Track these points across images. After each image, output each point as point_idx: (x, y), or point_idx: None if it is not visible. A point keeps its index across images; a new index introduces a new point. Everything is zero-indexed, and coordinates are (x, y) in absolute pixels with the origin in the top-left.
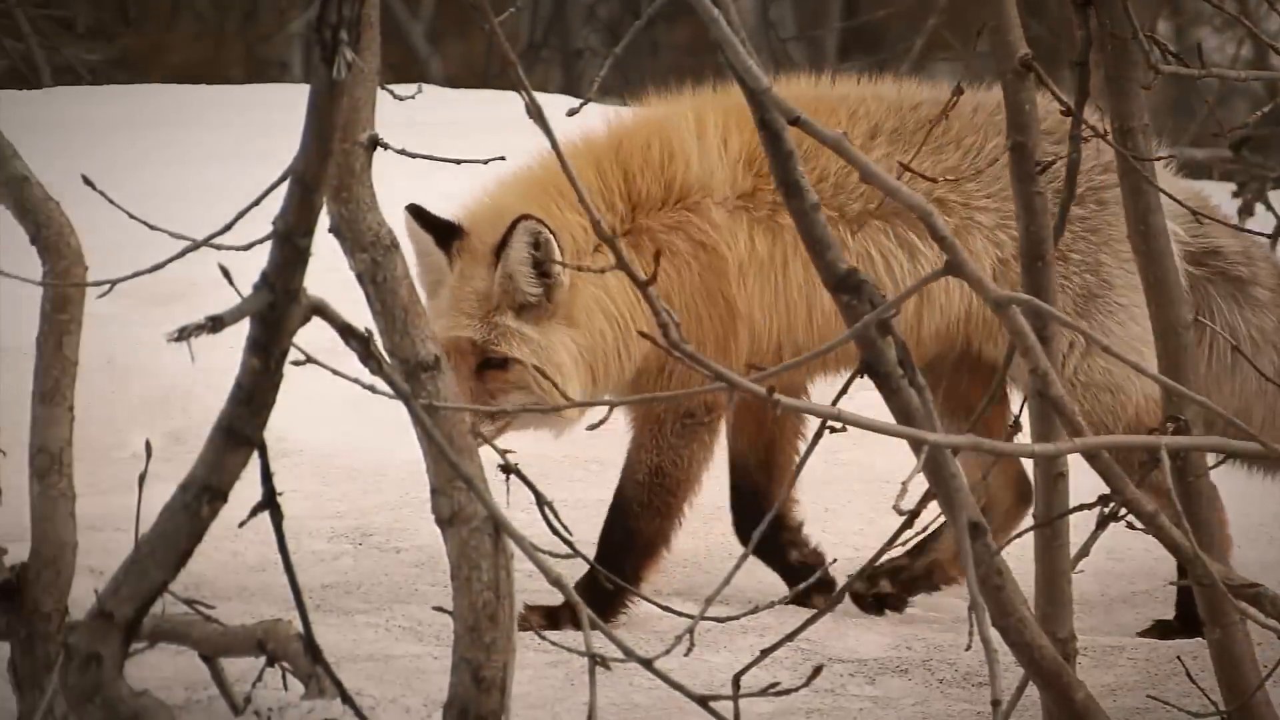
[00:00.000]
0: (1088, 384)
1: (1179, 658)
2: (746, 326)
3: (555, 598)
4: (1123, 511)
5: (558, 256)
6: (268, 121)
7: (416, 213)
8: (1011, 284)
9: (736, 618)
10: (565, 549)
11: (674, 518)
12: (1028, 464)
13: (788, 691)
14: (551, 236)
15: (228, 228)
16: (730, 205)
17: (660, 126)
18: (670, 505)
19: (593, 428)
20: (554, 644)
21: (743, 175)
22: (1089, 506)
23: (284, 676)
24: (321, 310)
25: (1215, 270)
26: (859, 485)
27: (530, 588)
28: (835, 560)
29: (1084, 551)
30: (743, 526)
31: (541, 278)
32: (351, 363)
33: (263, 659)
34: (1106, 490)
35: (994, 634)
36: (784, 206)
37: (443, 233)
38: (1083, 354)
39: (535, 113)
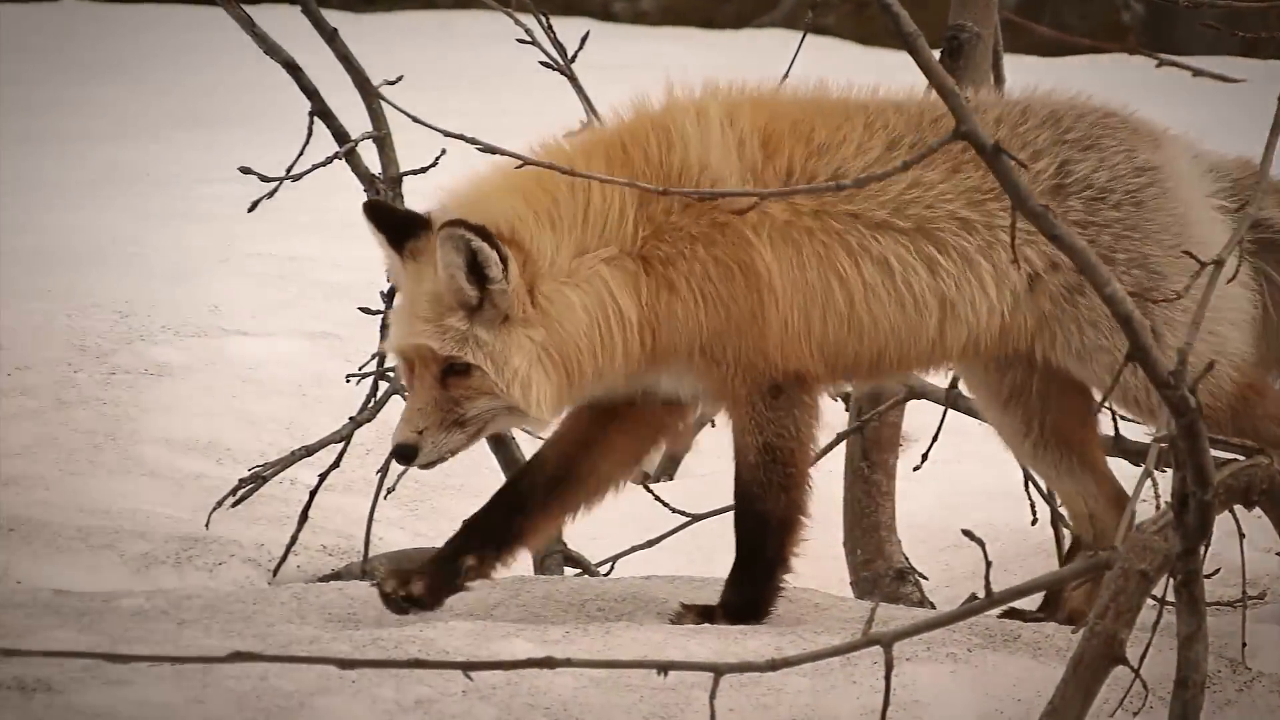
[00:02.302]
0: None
1: None
2: (773, 302)
3: None
4: None
5: (493, 264)
6: None
7: (372, 210)
8: (1047, 297)
9: None
10: None
11: (799, 489)
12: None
13: None
14: (484, 245)
15: None
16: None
17: (659, 120)
18: (791, 476)
19: None
20: None
21: (751, 153)
22: None
23: None
24: None
25: (1264, 240)
26: None
27: None
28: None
29: None
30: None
31: (480, 280)
32: None
33: None
34: None
35: None
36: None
37: (401, 230)
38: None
39: None
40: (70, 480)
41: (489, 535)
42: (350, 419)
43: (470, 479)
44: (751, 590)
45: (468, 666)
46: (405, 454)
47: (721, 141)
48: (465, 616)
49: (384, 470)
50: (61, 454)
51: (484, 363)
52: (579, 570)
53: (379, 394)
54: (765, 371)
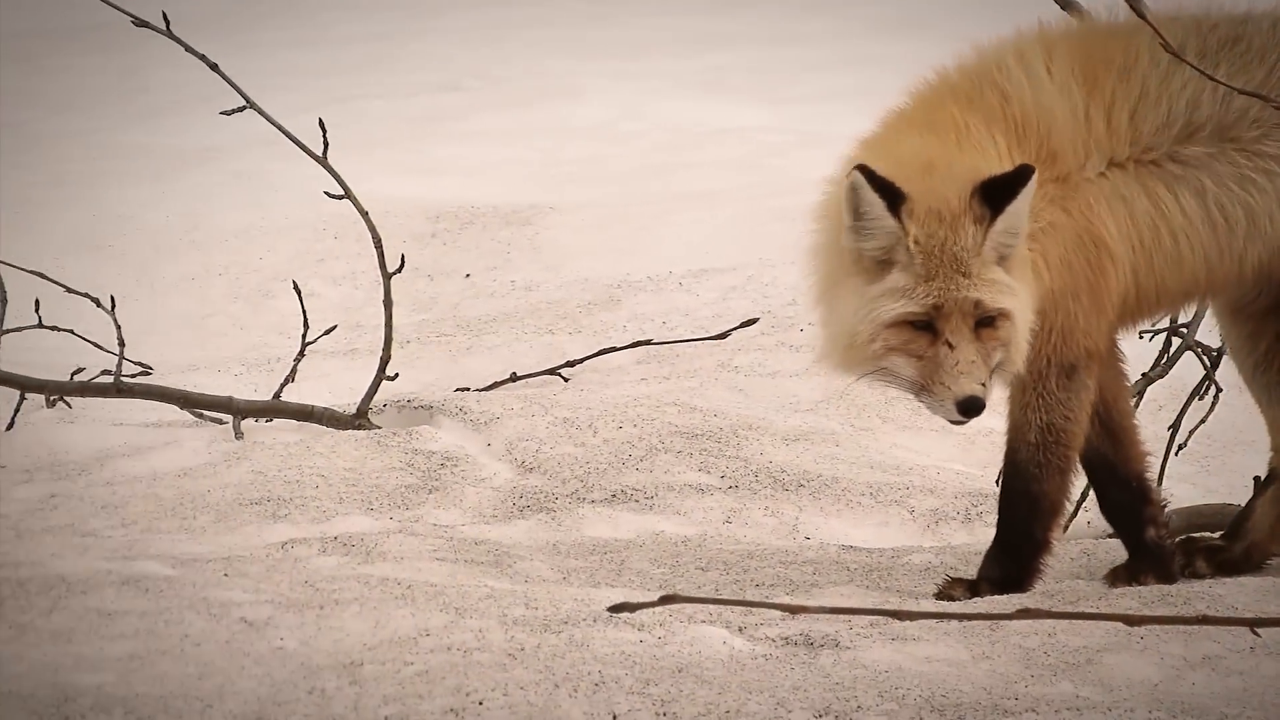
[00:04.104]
0: None
1: None
2: (1113, 267)
3: None
4: None
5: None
6: None
7: (870, 175)
8: None
9: None
10: None
11: (1071, 472)
12: None
13: None
14: (1030, 190)
15: None
16: (1081, 140)
17: (987, 75)
18: (1068, 459)
19: None
20: None
21: (1077, 88)
22: None
23: None
24: None
25: None
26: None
27: None
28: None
29: None
30: (1107, 504)
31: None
32: None
33: None
34: None
35: None
36: (1123, 134)
37: (891, 193)
38: None
39: None
40: (860, 436)
41: (1143, 516)
42: (1143, 375)
43: (1263, 435)
44: (1015, 569)
45: (1256, 623)
46: (978, 407)
47: (1051, 83)
48: (1253, 572)
49: (1174, 426)
50: (853, 410)
51: (1018, 313)
52: None
53: (1171, 350)
54: (1073, 346)
